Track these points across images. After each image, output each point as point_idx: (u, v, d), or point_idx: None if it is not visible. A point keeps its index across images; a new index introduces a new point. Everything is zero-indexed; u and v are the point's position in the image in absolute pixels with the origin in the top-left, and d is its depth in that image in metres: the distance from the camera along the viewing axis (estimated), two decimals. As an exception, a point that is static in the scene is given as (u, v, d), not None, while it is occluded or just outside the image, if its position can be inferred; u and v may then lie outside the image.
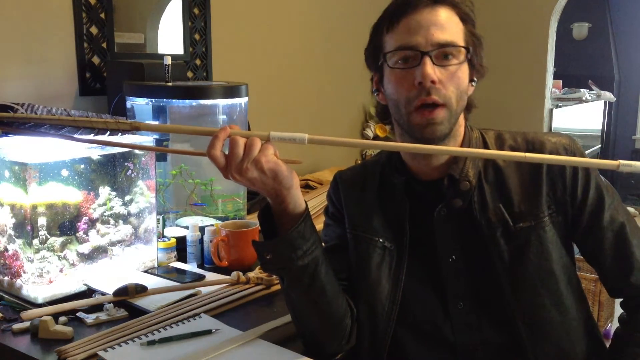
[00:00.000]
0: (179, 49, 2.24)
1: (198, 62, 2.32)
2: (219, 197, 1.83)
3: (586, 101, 5.07)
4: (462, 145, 1.07)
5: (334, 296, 1.05)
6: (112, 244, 1.47)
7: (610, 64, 6.17)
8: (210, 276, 1.48)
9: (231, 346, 1.10)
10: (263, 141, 0.90)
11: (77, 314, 1.26)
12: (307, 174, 2.65)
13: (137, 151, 1.50)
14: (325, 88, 2.99)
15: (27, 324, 1.20)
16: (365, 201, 1.14)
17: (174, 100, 1.74)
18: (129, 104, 1.78)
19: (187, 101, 1.75)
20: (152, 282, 1.41)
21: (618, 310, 2.80)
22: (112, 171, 1.46)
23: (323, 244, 1.12)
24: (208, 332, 1.15)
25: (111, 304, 1.27)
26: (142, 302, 1.30)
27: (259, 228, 1.39)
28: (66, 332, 1.16)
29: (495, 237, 1.03)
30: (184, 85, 1.77)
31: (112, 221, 1.47)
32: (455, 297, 1.06)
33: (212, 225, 1.65)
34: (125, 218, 1.50)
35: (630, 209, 3.16)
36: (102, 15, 1.96)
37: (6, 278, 1.38)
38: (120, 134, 0.94)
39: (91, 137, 0.93)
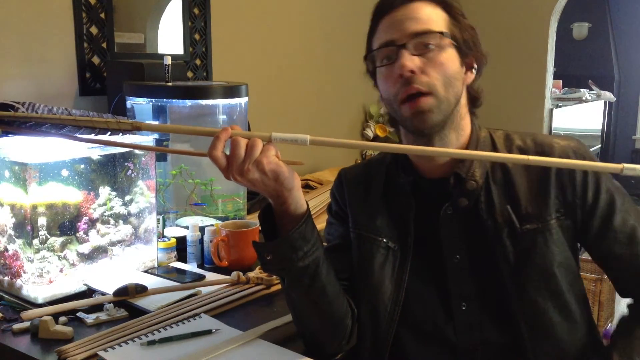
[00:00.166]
0: (179, 49, 2.24)
1: (198, 62, 2.32)
2: (219, 197, 1.83)
3: (586, 101, 5.08)
4: (469, 143, 1.06)
5: (335, 297, 1.05)
6: (112, 244, 1.47)
7: (610, 64, 6.17)
8: (210, 276, 1.48)
9: (231, 346, 1.10)
10: (264, 142, 0.90)
11: (77, 314, 1.26)
12: (307, 174, 2.65)
13: (137, 151, 1.50)
14: (325, 88, 2.99)
15: (27, 324, 1.20)
16: (370, 200, 1.14)
17: (174, 100, 1.74)
18: (129, 104, 1.78)
19: (187, 101, 1.75)
20: (152, 282, 1.41)
21: (618, 311, 2.80)
22: (112, 171, 1.46)
23: (325, 243, 1.12)
24: (208, 332, 1.15)
25: (111, 304, 1.27)
26: (142, 302, 1.30)
27: (259, 228, 1.39)
28: (66, 332, 1.16)
29: (501, 238, 1.03)
30: (184, 85, 1.77)
31: (112, 221, 1.47)
32: (458, 298, 1.06)
33: (212, 225, 1.65)
34: (125, 218, 1.50)
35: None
36: (102, 15, 1.97)
37: (6, 278, 1.38)
38: (121, 133, 0.94)
39: (92, 136, 0.93)
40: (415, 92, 0.98)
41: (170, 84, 1.77)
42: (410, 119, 1.00)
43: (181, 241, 1.64)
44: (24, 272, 1.33)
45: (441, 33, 0.99)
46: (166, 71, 1.77)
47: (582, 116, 5.35)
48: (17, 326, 1.20)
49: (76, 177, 1.38)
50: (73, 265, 1.38)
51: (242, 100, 1.84)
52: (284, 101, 2.75)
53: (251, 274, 1.43)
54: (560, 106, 4.30)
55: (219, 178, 1.76)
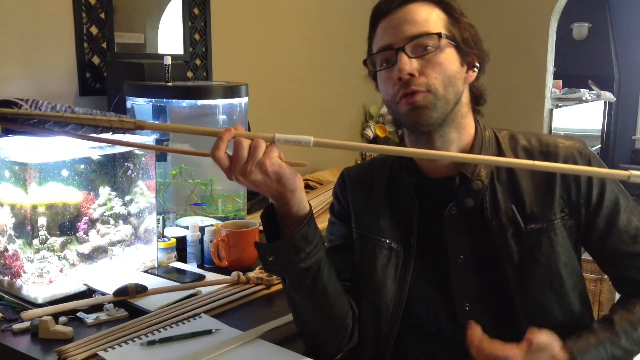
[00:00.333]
0: (179, 49, 2.24)
1: (198, 62, 2.32)
2: (219, 197, 1.82)
3: (586, 101, 5.08)
4: (474, 143, 1.06)
5: (336, 297, 1.05)
6: (112, 244, 1.47)
7: (610, 64, 6.17)
8: (210, 276, 1.48)
9: (231, 346, 1.10)
10: (267, 143, 0.90)
11: (77, 314, 1.26)
12: (308, 174, 2.65)
13: (137, 151, 1.50)
14: (326, 88, 2.99)
15: (27, 324, 1.20)
16: (373, 200, 1.13)
17: (174, 100, 1.74)
18: (129, 104, 1.78)
19: (187, 101, 1.75)
20: (152, 282, 1.41)
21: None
22: (112, 171, 1.46)
23: (326, 243, 1.12)
24: (208, 332, 1.15)
25: (111, 304, 1.27)
26: (142, 302, 1.30)
27: (259, 228, 1.39)
28: (66, 332, 1.16)
29: (506, 238, 1.03)
30: (184, 85, 1.77)
31: (112, 221, 1.47)
32: (462, 298, 1.06)
33: (212, 225, 1.65)
34: (125, 218, 1.50)
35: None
36: (102, 15, 1.96)
37: (6, 278, 1.38)
38: (123, 132, 0.94)
39: (95, 135, 0.93)
40: (412, 92, 0.98)
41: (170, 84, 1.77)
42: (406, 115, 1.00)
43: (181, 241, 1.64)
44: (24, 272, 1.33)
45: (438, 34, 0.99)
46: (166, 71, 1.77)
47: (582, 116, 5.35)
48: (17, 326, 1.20)
49: (76, 177, 1.38)
50: (73, 265, 1.38)
51: (242, 100, 1.84)
52: (284, 101, 2.75)
53: (251, 274, 1.43)
54: (560, 106, 4.30)
55: (219, 178, 1.76)
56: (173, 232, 1.70)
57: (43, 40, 1.83)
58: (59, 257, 1.36)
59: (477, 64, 1.05)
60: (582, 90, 5.12)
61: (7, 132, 1.33)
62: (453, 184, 1.05)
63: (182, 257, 1.63)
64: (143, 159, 1.53)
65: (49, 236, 1.33)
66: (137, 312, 1.27)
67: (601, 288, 2.76)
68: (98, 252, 1.44)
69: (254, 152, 0.88)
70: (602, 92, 5.53)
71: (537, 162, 0.88)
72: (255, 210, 2.01)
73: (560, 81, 5.19)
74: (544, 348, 0.94)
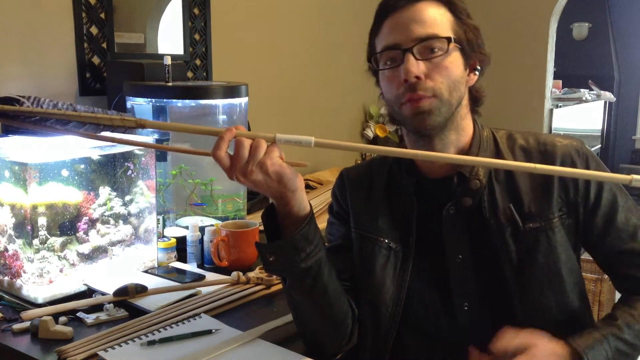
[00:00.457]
0: (179, 49, 2.24)
1: (198, 62, 2.32)
2: (219, 197, 1.82)
3: (586, 101, 5.08)
4: (472, 143, 1.06)
5: (336, 297, 1.05)
6: (112, 244, 1.47)
7: (610, 64, 6.18)
8: (210, 276, 1.48)
9: (231, 346, 1.10)
10: (268, 143, 0.90)
11: (77, 314, 1.26)
12: (307, 174, 2.65)
13: (137, 151, 1.50)
14: (326, 88, 2.99)
15: (27, 324, 1.20)
16: (372, 200, 1.13)
17: (174, 100, 1.74)
18: (129, 104, 1.78)
19: (187, 101, 1.75)
20: (152, 282, 1.41)
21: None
22: (112, 171, 1.46)
23: (326, 243, 1.12)
24: (208, 332, 1.15)
25: (111, 304, 1.27)
26: (142, 302, 1.30)
27: (260, 228, 1.39)
28: (66, 332, 1.16)
29: (504, 237, 1.03)
30: (184, 85, 1.77)
31: (112, 221, 1.47)
32: (461, 298, 1.06)
33: (212, 225, 1.65)
34: (125, 218, 1.50)
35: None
36: (102, 15, 1.96)
37: (6, 278, 1.38)
38: (124, 131, 0.94)
39: (96, 134, 0.93)
40: (418, 98, 0.98)
41: (170, 84, 1.77)
42: (411, 118, 1.00)
43: (181, 241, 1.64)
44: (24, 272, 1.33)
45: (448, 38, 0.98)
46: (166, 71, 1.77)
47: (582, 116, 5.35)
48: (17, 326, 1.20)
49: (76, 177, 1.38)
50: (73, 265, 1.38)
51: (242, 100, 1.84)
52: (284, 101, 2.75)
53: (251, 274, 1.43)
54: (560, 106, 4.30)
55: (219, 178, 1.76)
56: (173, 232, 1.70)
57: (43, 40, 1.83)
58: (59, 257, 1.36)
59: (479, 67, 1.05)
60: (582, 90, 5.12)
61: (7, 132, 1.33)
62: (451, 184, 1.05)
63: (182, 257, 1.63)
64: (143, 159, 1.53)
65: (49, 236, 1.33)
66: (137, 312, 1.27)
67: (601, 288, 2.76)
68: (98, 252, 1.44)
69: (255, 152, 0.88)
70: (602, 92, 5.54)
71: (537, 165, 0.88)
72: (255, 210, 2.01)
73: (560, 81, 5.19)
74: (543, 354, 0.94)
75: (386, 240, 1.10)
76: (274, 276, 1.40)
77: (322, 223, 1.22)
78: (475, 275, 1.05)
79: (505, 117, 3.39)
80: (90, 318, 1.23)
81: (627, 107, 6.35)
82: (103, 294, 1.34)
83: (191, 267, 1.59)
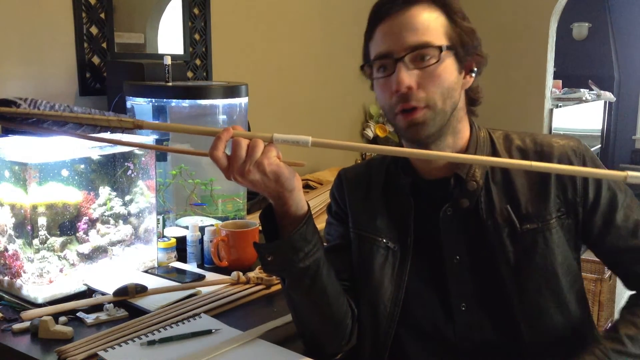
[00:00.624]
0: (179, 49, 2.24)
1: (198, 62, 2.32)
2: (219, 197, 1.83)
3: (586, 101, 5.07)
4: (469, 144, 1.06)
5: (335, 297, 1.05)
6: (112, 244, 1.47)
7: (610, 64, 6.18)
8: (210, 276, 1.48)
9: (231, 346, 1.10)
10: (266, 143, 0.90)
11: (77, 314, 1.26)
12: (307, 174, 2.65)
13: (137, 151, 1.51)
14: (326, 88, 2.99)
15: (27, 324, 1.20)
16: (370, 200, 1.14)
17: (174, 100, 1.74)
18: (129, 104, 1.78)
19: (187, 101, 1.75)
20: (152, 282, 1.41)
21: (618, 311, 2.80)
22: (112, 171, 1.46)
23: (325, 243, 1.12)
24: (208, 332, 1.15)
25: (111, 304, 1.27)
26: (142, 302, 1.30)
27: (259, 228, 1.39)
28: (66, 332, 1.16)
29: (502, 238, 1.03)
30: (184, 85, 1.77)
31: (112, 221, 1.47)
32: (458, 298, 1.06)
33: (212, 225, 1.65)
34: (125, 218, 1.50)
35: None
36: (102, 15, 1.97)
37: (6, 278, 1.38)
38: (122, 132, 0.94)
39: (94, 135, 0.93)
40: (410, 108, 0.97)
41: (170, 84, 1.77)
42: (405, 130, 1.00)
43: (181, 241, 1.64)
44: (24, 272, 1.33)
45: (440, 47, 0.97)
46: (166, 71, 1.77)
47: (582, 116, 5.34)
48: (17, 326, 1.20)
49: (76, 177, 1.38)
50: (73, 265, 1.38)
51: (242, 100, 1.84)
52: (284, 101, 2.75)
53: (251, 274, 1.43)
54: (560, 106, 4.29)
55: (219, 178, 1.76)
56: (173, 232, 1.71)
57: (43, 40, 1.83)
58: (59, 257, 1.36)
59: (475, 69, 1.04)
60: (582, 90, 5.12)
61: (6, 132, 1.33)
62: (448, 185, 1.05)
63: (182, 257, 1.63)
64: (143, 159, 1.53)
65: (49, 236, 1.33)
66: (137, 312, 1.27)
67: (601, 288, 2.76)
68: (98, 252, 1.44)
69: (252, 151, 0.88)
70: (602, 92, 5.53)
71: (533, 163, 0.87)
72: (255, 210, 2.01)
73: (560, 81, 5.18)
74: None
75: (384, 240, 1.10)
76: (274, 276, 1.40)
77: (322, 223, 1.22)
78: (473, 276, 1.05)
79: (505, 117, 3.40)
80: (90, 318, 1.23)
81: (627, 107, 6.35)
82: (103, 294, 1.34)
83: (191, 267, 1.59)
